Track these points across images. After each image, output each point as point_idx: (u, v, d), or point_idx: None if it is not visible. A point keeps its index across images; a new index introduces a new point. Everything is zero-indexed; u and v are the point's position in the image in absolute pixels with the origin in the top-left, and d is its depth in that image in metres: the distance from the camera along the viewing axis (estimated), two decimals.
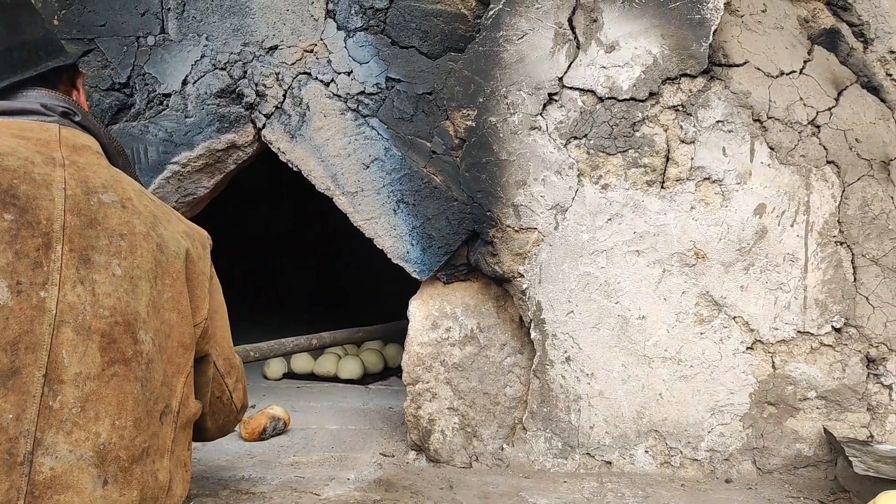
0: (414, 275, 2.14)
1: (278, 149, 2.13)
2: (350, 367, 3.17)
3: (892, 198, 2.05)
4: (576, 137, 2.03)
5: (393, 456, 2.23)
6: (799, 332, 2.03)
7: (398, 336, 2.65)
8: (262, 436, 2.35)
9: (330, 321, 3.19)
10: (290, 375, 3.24)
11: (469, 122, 2.06)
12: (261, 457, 2.21)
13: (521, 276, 2.07)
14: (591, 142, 2.03)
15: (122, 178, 1.36)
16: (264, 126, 2.13)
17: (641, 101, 2.02)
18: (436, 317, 2.16)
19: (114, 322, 1.22)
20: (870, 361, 2.04)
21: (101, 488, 1.17)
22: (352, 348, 3.37)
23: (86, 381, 1.18)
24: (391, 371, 3.33)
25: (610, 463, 2.09)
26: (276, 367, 3.21)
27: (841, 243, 2.03)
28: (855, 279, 2.03)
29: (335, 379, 3.19)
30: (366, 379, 3.20)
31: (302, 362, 3.25)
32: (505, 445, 2.13)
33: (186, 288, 1.38)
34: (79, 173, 1.29)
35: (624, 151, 2.02)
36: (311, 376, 3.23)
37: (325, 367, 3.22)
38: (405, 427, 2.25)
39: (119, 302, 1.24)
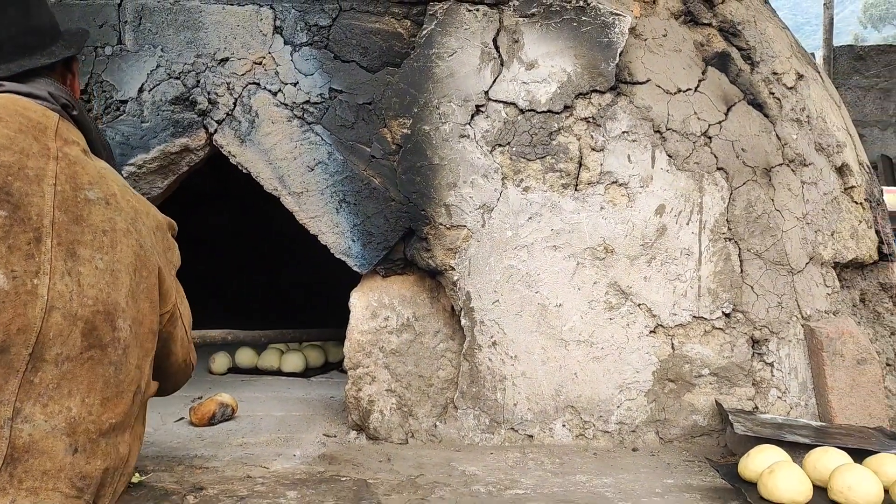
0: (355, 268, 2.35)
1: (229, 152, 2.31)
2: (293, 362, 3.34)
3: (772, 200, 2.36)
4: (500, 145, 2.28)
5: (335, 436, 2.42)
6: (694, 317, 2.31)
7: (337, 336, 2.86)
8: (211, 421, 2.51)
9: (274, 319, 3.36)
10: (235, 370, 3.39)
11: (405, 130, 2.28)
12: (211, 439, 2.37)
13: (453, 268, 2.30)
14: (514, 149, 2.28)
15: (107, 175, 1.49)
16: (216, 131, 2.31)
17: (557, 113, 2.28)
18: (375, 307, 2.36)
19: (96, 311, 1.36)
20: (754, 342, 2.34)
21: (72, 455, 1.31)
22: (294, 344, 3.54)
23: (64, 362, 1.32)
24: (332, 365, 3.51)
25: (532, 436, 2.33)
26: (221, 362, 3.35)
27: (729, 239, 2.33)
28: (741, 271, 2.33)
29: (278, 372, 3.35)
30: (308, 372, 3.37)
31: (246, 357, 3.40)
32: (438, 423, 2.35)
33: (158, 280, 1.53)
34: (69, 168, 1.42)
35: (542, 157, 2.28)
36: (255, 370, 3.38)
37: (268, 361, 3.37)
38: (346, 412, 2.44)
39: (101, 293, 1.37)
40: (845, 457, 1.79)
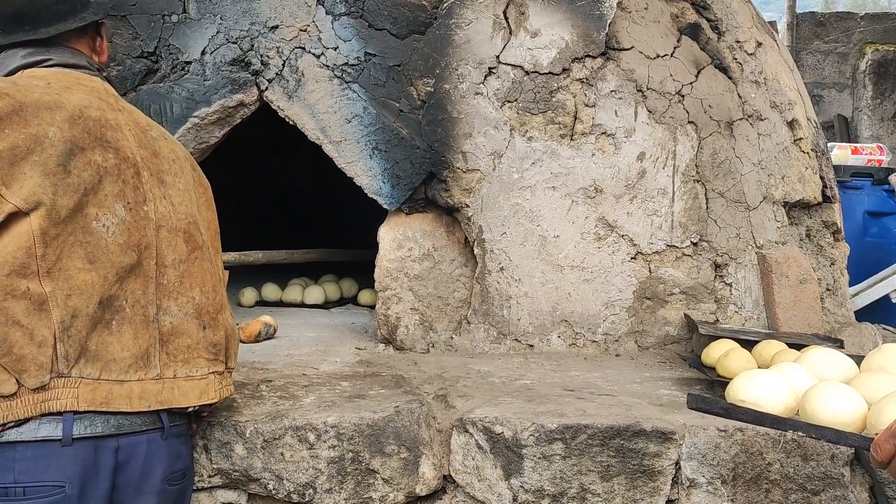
0: (385, 206, 2.77)
1: (278, 107, 2.71)
2: (314, 294, 3.78)
3: (733, 149, 2.82)
4: (509, 101, 2.71)
5: (366, 349, 2.87)
6: (668, 245, 2.78)
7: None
8: (257, 338, 2.94)
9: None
10: (262, 303, 3.82)
11: (428, 88, 2.69)
12: (261, 352, 2.81)
13: (468, 206, 2.74)
14: (520, 104, 2.71)
15: (149, 118, 1.77)
16: (267, 88, 2.70)
17: (557, 74, 2.71)
18: (400, 239, 2.80)
19: (188, 223, 1.72)
20: (717, 266, 2.82)
21: (202, 331, 1.71)
22: (312, 280, 3.98)
23: (180, 264, 1.69)
24: (346, 300, 3.96)
25: (532, 346, 2.79)
26: (249, 296, 3.77)
27: (697, 181, 2.79)
28: (707, 207, 2.80)
29: (301, 305, 3.79)
30: (327, 304, 3.81)
31: (271, 292, 3.83)
32: (454, 335, 2.80)
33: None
34: (130, 115, 1.66)
35: (544, 112, 2.71)
36: (280, 303, 3.82)
37: (292, 295, 3.81)
38: (368, 335, 2.89)
39: (188, 209, 1.73)
40: (784, 346, 2.28)
